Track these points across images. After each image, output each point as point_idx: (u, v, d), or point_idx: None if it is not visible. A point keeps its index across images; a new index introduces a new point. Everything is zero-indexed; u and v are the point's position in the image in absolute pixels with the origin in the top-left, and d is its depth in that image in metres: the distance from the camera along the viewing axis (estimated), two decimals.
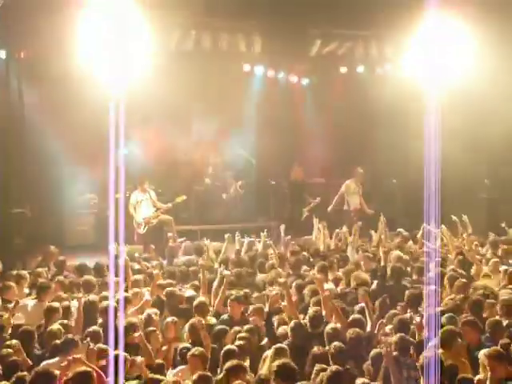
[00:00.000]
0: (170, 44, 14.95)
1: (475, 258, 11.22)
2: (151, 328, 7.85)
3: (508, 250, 12.01)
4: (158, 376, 6.70)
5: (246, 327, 8.02)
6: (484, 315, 8.48)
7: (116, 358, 6.37)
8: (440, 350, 6.60)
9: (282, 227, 13.76)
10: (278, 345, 7.24)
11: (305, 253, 12.33)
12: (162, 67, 14.50)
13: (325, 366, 6.77)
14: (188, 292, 9.77)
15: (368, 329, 8.11)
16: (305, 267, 11.20)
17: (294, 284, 9.82)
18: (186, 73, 15.85)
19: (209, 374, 6.60)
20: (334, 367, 6.58)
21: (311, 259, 11.99)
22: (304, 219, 16.64)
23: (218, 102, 17.06)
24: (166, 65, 14.81)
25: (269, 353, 7.31)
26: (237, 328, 8.09)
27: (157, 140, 16.70)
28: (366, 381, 6.65)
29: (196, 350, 7.16)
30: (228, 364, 6.61)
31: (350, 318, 8.27)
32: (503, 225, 13.92)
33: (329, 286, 9.78)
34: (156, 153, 16.70)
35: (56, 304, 8.73)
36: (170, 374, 7.11)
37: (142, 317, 8.32)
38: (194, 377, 6.49)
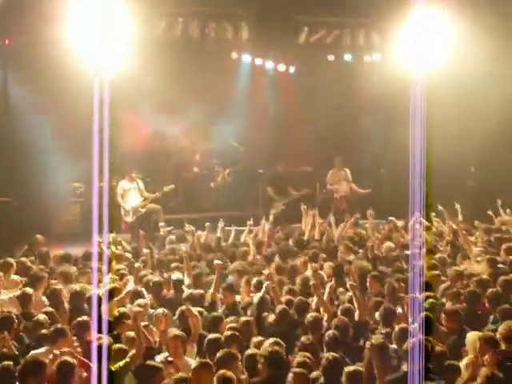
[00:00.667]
0: (158, 31, 14.87)
1: (470, 247, 11.27)
2: (145, 323, 7.79)
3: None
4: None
5: (242, 319, 8.03)
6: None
7: (100, 346, 6.36)
8: (423, 337, 6.65)
9: (272, 212, 13.73)
10: (275, 339, 7.16)
11: (290, 241, 12.35)
12: (149, 55, 14.44)
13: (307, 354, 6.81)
14: (174, 275, 9.78)
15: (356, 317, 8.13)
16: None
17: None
18: (173, 60, 15.75)
19: (209, 361, 6.60)
20: (329, 355, 6.58)
21: (295, 248, 11.98)
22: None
23: (205, 90, 17.00)
24: (153, 52, 14.73)
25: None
26: (231, 318, 8.12)
27: (144, 127, 16.65)
28: (357, 368, 6.67)
29: (176, 331, 7.28)
30: (220, 353, 6.63)
31: (340, 308, 8.30)
32: (490, 212, 14.01)
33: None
34: (143, 140, 16.66)
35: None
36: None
37: (129, 308, 8.26)
38: (194, 365, 6.49)
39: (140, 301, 8.40)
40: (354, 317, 8.08)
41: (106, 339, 6.55)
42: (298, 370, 6.35)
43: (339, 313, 8.10)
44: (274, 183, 16.92)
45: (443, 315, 7.83)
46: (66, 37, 11.76)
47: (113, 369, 6.52)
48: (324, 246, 11.87)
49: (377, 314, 8.20)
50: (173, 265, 10.35)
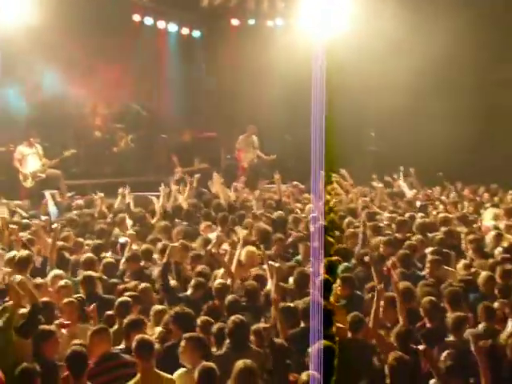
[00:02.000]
0: None
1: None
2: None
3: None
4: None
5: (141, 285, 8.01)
6: None
7: None
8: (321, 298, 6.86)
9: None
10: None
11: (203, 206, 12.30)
12: (49, 14, 13.91)
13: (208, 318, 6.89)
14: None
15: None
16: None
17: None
18: (72, 20, 15.17)
19: (105, 326, 6.64)
20: (233, 318, 6.62)
21: (213, 213, 11.93)
22: None
23: (107, 52, 16.54)
24: (52, 11, 14.16)
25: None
26: (133, 282, 8.11)
27: (42, 90, 16.08)
28: (263, 325, 6.85)
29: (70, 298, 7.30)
30: (127, 319, 6.66)
31: (253, 274, 8.38)
32: (388, 178, 14.44)
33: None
34: (42, 102, 16.09)
35: None
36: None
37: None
38: (90, 332, 6.45)
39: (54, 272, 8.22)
40: (265, 284, 8.14)
41: None
42: (187, 334, 6.35)
43: (251, 279, 8.18)
44: (178, 152, 16.77)
45: (338, 281, 8.00)
46: None
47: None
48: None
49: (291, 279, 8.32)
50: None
